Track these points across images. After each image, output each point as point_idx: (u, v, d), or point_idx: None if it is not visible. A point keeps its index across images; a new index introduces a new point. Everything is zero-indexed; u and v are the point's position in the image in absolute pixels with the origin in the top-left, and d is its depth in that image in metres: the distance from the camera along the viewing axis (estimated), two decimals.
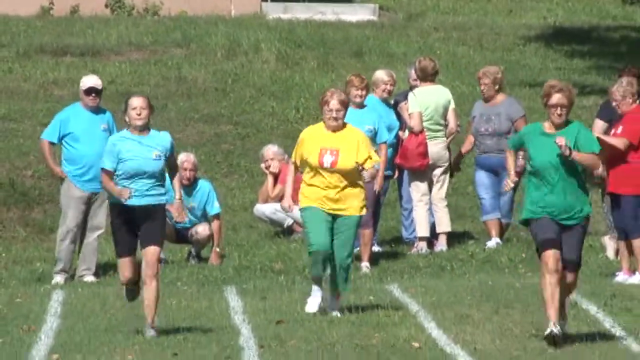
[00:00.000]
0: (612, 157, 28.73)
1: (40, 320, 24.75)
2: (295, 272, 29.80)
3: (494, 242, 31.80)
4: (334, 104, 20.57)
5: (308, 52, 45.14)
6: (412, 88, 31.92)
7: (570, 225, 18.11)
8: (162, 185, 19.38)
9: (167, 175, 24.78)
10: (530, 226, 17.95)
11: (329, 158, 20.20)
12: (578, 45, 48.01)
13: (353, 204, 20.73)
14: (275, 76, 42.78)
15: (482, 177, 32.49)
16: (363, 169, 20.20)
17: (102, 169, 19.55)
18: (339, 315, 21.68)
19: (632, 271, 28.90)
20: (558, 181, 17.89)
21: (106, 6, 48.96)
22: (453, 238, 32.37)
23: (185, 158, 25.15)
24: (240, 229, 30.72)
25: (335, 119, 20.46)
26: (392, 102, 32.01)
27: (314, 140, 20.70)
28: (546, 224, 17.71)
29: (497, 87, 31.99)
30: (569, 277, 17.98)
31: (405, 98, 31.82)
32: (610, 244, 30.88)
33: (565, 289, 18.39)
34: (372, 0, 53.41)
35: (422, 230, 31.27)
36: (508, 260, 30.66)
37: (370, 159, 21.02)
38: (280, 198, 29.06)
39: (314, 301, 21.78)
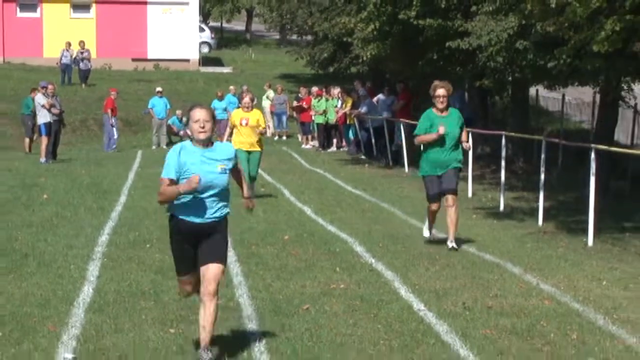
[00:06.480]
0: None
1: (133, 162, 27.21)
2: None
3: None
4: (247, 100, 17.50)
5: (212, 82, 43.79)
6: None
7: (448, 169, 12.18)
8: (227, 199, 7.38)
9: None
10: (424, 180, 12.42)
11: (244, 121, 17.05)
12: (297, 81, 45.30)
13: (256, 145, 17.31)
14: (203, 89, 42.01)
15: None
16: (260, 129, 17.11)
17: (162, 179, 7.20)
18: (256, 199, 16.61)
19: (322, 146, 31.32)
20: (446, 143, 12.11)
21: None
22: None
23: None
24: None
25: (247, 107, 17.19)
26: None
27: (238, 115, 17.32)
28: (433, 182, 12.22)
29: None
30: (451, 200, 12.18)
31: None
32: (308, 142, 32.39)
33: (453, 210, 12.22)
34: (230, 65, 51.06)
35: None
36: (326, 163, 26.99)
37: (261, 125, 17.45)
38: None
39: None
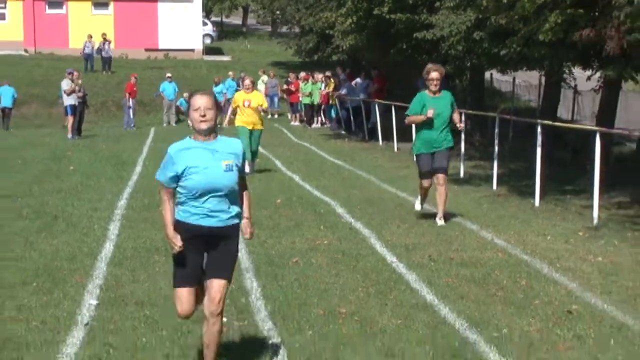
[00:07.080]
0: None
1: (147, 138, 27.20)
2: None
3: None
4: (247, 82, 16.23)
5: (213, 69, 43.10)
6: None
7: (440, 149, 10.76)
8: (237, 203, 5.12)
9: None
10: (417, 157, 11.03)
11: (247, 102, 15.81)
12: (287, 68, 44.02)
13: (258, 124, 16.10)
14: (206, 75, 40.93)
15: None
16: (262, 107, 15.67)
17: (161, 184, 5.21)
18: (255, 173, 15.84)
19: (299, 121, 31.44)
20: (437, 123, 10.60)
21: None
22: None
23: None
24: None
25: (249, 89, 15.97)
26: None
27: (240, 97, 16.00)
28: (426, 160, 10.84)
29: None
30: (442, 179, 10.82)
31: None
32: (296, 120, 31.80)
33: (443, 189, 10.88)
34: (229, 54, 50.76)
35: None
36: (311, 138, 25.48)
37: (263, 104, 16.12)
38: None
39: (248, 169, 15.20)
